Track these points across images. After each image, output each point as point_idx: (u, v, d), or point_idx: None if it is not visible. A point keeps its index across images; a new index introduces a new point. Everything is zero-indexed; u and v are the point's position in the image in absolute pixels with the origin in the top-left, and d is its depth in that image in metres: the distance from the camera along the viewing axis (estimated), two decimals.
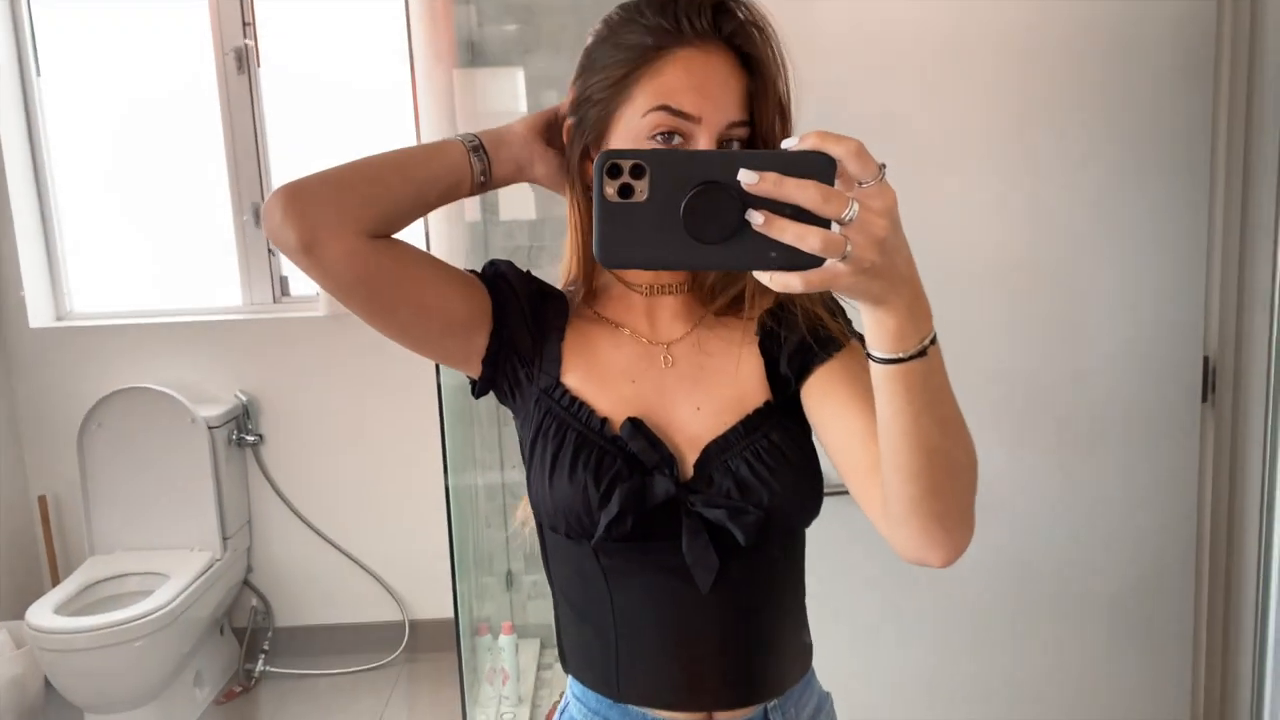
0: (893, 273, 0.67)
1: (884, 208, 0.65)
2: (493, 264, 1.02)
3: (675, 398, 0.98)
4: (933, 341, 0.72)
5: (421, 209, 0.95)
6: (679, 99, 0.89)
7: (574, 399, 0.97)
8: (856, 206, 0.63)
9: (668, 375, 0.99)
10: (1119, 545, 1.69)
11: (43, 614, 2.57)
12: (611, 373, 0.99)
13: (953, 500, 0.79)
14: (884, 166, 0.65)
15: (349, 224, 0.89)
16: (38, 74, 3.11)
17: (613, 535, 0.93)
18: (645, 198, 0.65)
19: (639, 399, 0.98)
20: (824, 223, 0.64)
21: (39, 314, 3.13)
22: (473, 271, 1.01)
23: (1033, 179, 1.59)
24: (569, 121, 0.97)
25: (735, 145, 0.91)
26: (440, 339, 0.98)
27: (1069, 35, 1.55)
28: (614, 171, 0.65)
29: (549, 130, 0.99)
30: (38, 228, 3.15)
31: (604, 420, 0.96)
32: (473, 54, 2.75)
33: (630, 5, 0.93)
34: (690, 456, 0.96)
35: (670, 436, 0.97)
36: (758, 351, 0.99)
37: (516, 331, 0.99)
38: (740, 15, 0.92)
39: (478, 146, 0.95)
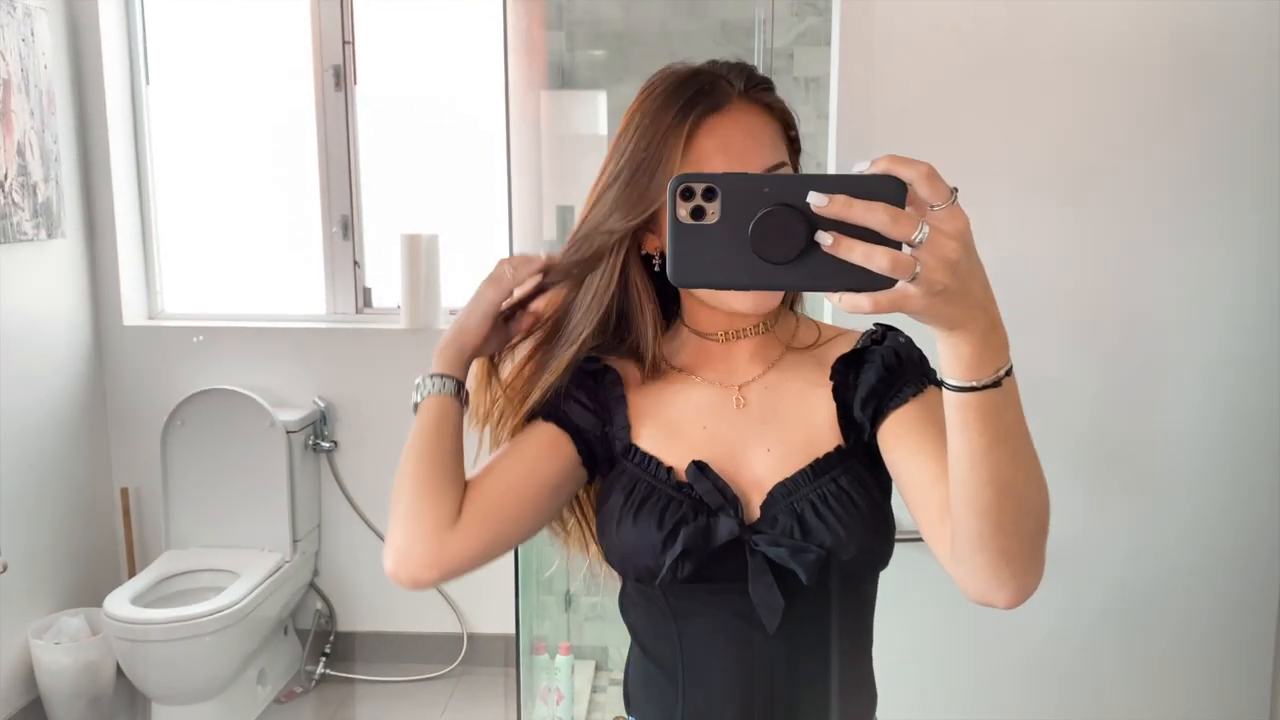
0: (966, 297, 0.66)
1: (956, 230, 0.64)
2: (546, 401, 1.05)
3: (746, 439, 0.99)
4: (1008, 373, 0.71)
5: (448, 473, 1.00)
6: (712, 164, 0.92)
7: (645, 455, 1.00)
8: (927, 229, 0.63)
9: (740, 417, 1.00)
10: (1196, 582, 1.64)
11: (120, 604, 2.65)
12: (682, 422, 1.01)
13: (1022, 538, 0.78)
14: (956, 190, 0.65)
15: (440, 534, 0.96)
16: (147, 82, 3.24)
17: (678, 576, 0.94)
18: (717, 219, 0.67)
19: (709, 443, 0.99)
20: (895, 245, 0.64)
21: (133, 312, 3.25)
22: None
23: (1118, 204, 1.56)
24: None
25: None
26: (562, 496, 1.04)
27: (1140, 44, 1.51)
28: (687, 194, 0.67)
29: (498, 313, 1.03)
30: (137, 229, 3.28)
31: (670, 469, 0.98)
32: (562, 78, 2.80)
33: (647, 108, 0.96)
34: (757, 499, 0.97)
35: (739, 478, 0.98)
36: (830, 395, 0.99)
37: (588, 429, 1.03)
38: (746, 72, 0.97)
39: (455, 386, 1.02)
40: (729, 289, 0.95)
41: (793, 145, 1.00)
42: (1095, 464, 1.63)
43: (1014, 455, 0.74)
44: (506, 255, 2.03)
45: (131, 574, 3.17)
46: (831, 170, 1.53)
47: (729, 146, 0.92)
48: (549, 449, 1.01)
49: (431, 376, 1.01)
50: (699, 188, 0.67)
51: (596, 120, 2.78)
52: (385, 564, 0.96)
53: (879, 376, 0.95)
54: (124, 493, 3.25)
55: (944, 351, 0.71)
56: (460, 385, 1.01)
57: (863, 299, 0.65)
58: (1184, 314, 1.59)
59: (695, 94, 0.94)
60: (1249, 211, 1.55)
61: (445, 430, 1.00)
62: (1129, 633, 1.67)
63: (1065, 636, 1.66)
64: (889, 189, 0.65)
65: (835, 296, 0.67)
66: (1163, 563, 1.64)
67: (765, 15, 2.58)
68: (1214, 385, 1.60)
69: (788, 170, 0.95)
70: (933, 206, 0.65)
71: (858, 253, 0.63)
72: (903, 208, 0.64)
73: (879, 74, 1.51)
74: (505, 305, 1.02)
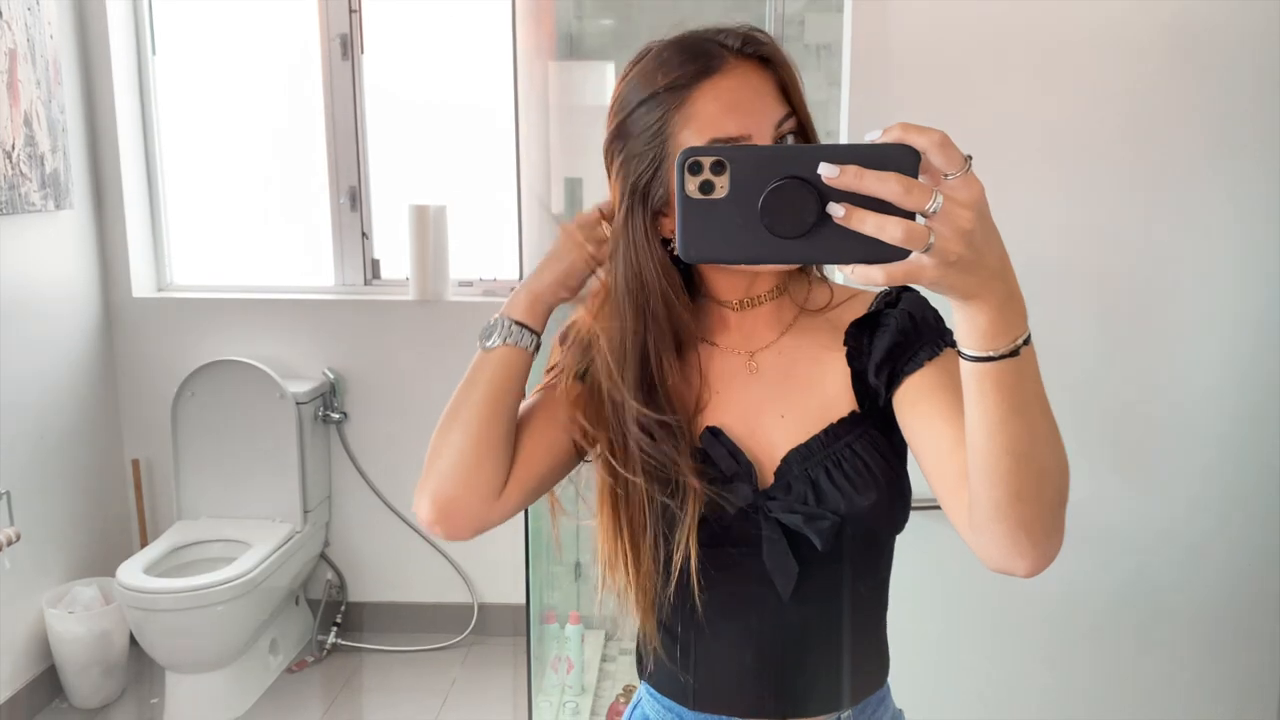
0: (982, 267, 0.65)
1: (970, 200, 0.63)
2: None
3: (760, 405, 0.98)
4: (1026, 342, 0.70)
5: (504, 430, 0.97)
6: (722, 127, 0.88)
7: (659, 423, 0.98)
8: (941, 199, 0.62)
9: (753, 383, 0.99)
10: (1208, 556, 1.63)
11: (132, 573, 2.67)
12: (694, 388, 0.99)
13: (1040, 508, 0.77)
14: (970, 158, 0.64)
15: (491, 501, 0.96)
16: (153, 53, 3.23)
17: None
18: (726, 193, 0.66)
19: (721, 409, 0.98)
20: (908, 216, 0.63)
21: (141, 283, 3.25)
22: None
23: (1125, 190, 1.55)
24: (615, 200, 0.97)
25: (791, 140, 0.91)
26: (578, 460, 1.03)
27: (1167, 36, 1.50)
28: (695, 169, 0.66)
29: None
30: (145, 200, 3.27)
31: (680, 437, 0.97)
32: (571, 47, 2.77)
33: (642, 71, 0.93)
34: (770, 465, 0.96)
35: (752, 445, 0.97)
36: (844, 360, 0.98)
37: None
38: (740, 30, 0.92)
39: (534, 341, 0.98)
40: (740, 264, 0.94)
41: (797, 85, 0.95)
42: (1109, 434, 1.62)
43: (1032, 424, 0.74)
44: (518, 226, 2.02)
45: (143, 544, 3.19)
46: (843, 139, 1.51)
47: (736, 106, 0.89)
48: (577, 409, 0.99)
49: (515, 324, 0.97)
50: (707, 161, 0.66)
51: (604, 91, 2.75)
52: (423, 510, 0.94)
53: (893, 341, 0.94)
54: (135, 464, 3.27)
55: (960, 321, 0.70)
56: (538, 342, 0.98)
57: (875, 271, 0.64)
58: (1197, 283, 1.57)
59: (685, 61, 0.90)
60: (1258, 181, 1.54)
61: (516, 386, 0.97)
62: (1147, 601, 1.66)
63: (1082, 603, 1.66)
64: (902, 158, 0.64)
65: (847, 268, 0.66)
66: (1180, 534, 1.64)
67: None
68: (1230, 354, 1.59)
69: (792, 124, 0.91)
70: (947, 175, 0.64)
71: (870, 224, 0.62)
72: (916, 177, 0.63)
73: (892, 38, 1.49)
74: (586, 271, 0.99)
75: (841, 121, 1.51)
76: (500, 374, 0.96)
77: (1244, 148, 1.53)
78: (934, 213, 0.62)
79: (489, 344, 0.97)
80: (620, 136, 0.94)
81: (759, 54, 0.91)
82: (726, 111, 0.89)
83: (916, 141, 0.63)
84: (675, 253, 0.97)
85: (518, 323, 0.97)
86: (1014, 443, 0.73)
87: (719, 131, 0.88)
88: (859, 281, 0.66)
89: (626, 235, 0.93)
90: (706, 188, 0.66)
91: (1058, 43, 1.50)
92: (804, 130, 0.93)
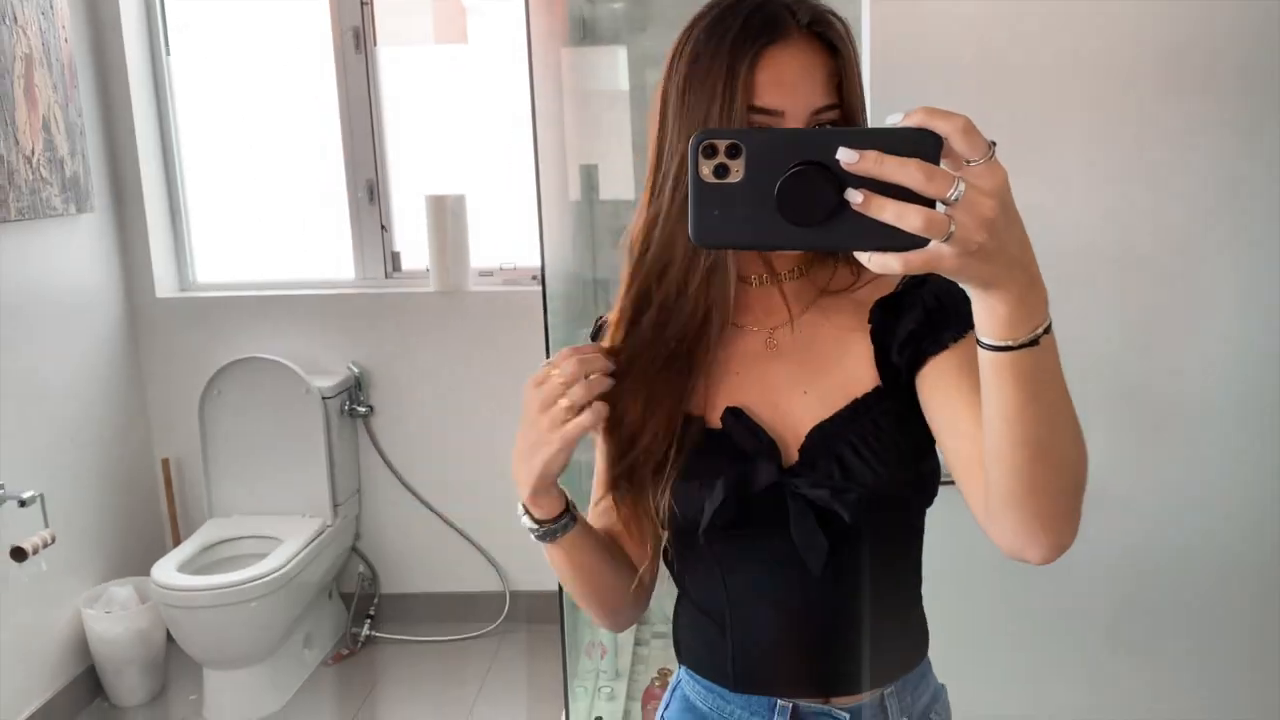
0: (1003, 256, 0.63)
1: (993, 187, 0.61)
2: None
3: (781, 382, 0.97)
4: (1047, 330, 0.68)
5: (611, 572, 1.03)
6: (761, 96, 0.86)
7: (677, 406, 0.97)
8: (963, 185, 0.60)
9: (773, 361, 0.98)
10: (1230, 541, 1.61)
11: (167, 572, 2.70)
12: (714, 369, 0.98)
13: (1056, 498, 0.76)
14: (994, 144, 0.62)
15: (642, 599, 1.06)
16: (167, 53, 3.23)
17: (718, 524, 0.93)
18: (741, 178, 0.64)
19: (741, 389, 0.97)
20: (929, 203, 0.61)
21: (164, 284, 3.27)
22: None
23: (1144, 167, 1.52)
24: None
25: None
26: None
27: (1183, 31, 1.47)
28: (709, 152, 0.64)
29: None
30: (165, 201, 3.29)
31: (702, 417, 0.96)
32: (584, 31, 2.75)
33: (711, 22, 0.90)
34: (794, 442, 0.95)
35: (775, 422, 0.96)
36: (868, 338, 0.96)
37: None
38: (816, 6, 0.90)
39: (546, 527, 0.98)
40: (754, 249, 0.92)
41: (855, 77, 0.92)
42: (1128, 414, 1.61)
43: (1051, 414, 0.72)
44: (538, 213, 2.00)
45: (176, 543, 3.22)
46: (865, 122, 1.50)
47: (780, 80, 0.87)
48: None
49: (539, 525, 0.97)
50: (722, 144, 0.64)
51: (617, 75, 2.74)
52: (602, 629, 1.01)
53: (918, 321, 0.92)
54: (165, 463, 3.29)
55: (979, 311, 0.68)
56: (573, 515, 0.98)
57: (894, 259, 0.63)
58: (1220, 263, 1.55)
59: (750, 21, 0.88)
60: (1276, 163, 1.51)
61: (587, 558, 1.01)
62: (1176, 578, 1.65)
63: (1128, 578, 1.64)
64: (923, 144, 0.62)
65: (865, 256, 0.64)
66: (1200, 507, 1.62)
67: None
68: (1250, 334, 1.57)
69: (833, 115, 0.89)
70: (969, 161, 0.62)
71: (889, 211, 0.61)
72: (937, 163, 0.61)
73: (913, 14, 1.47)
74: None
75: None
76: (564, 560, 1.00)
77: (1263, 129, 1.50)
78: (955, 200, 0.61)
79: (535, 539, 0.99)
80: (676, 87, 0.91)
81: (825, 35, 0.89)
82: (770, 83, 0.87)
83: (939, 126, 0.62)
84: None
85: (539, 521, 0.97)
86: (1032, 433, 0.72)
87: (755, 100, 0.86)
88: (876, 269, 0.64)
89: (673, 200, 0.91)
90: (721, 171, 0.64)
91: (1077, 41, 1.48)
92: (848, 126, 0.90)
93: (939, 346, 0.91)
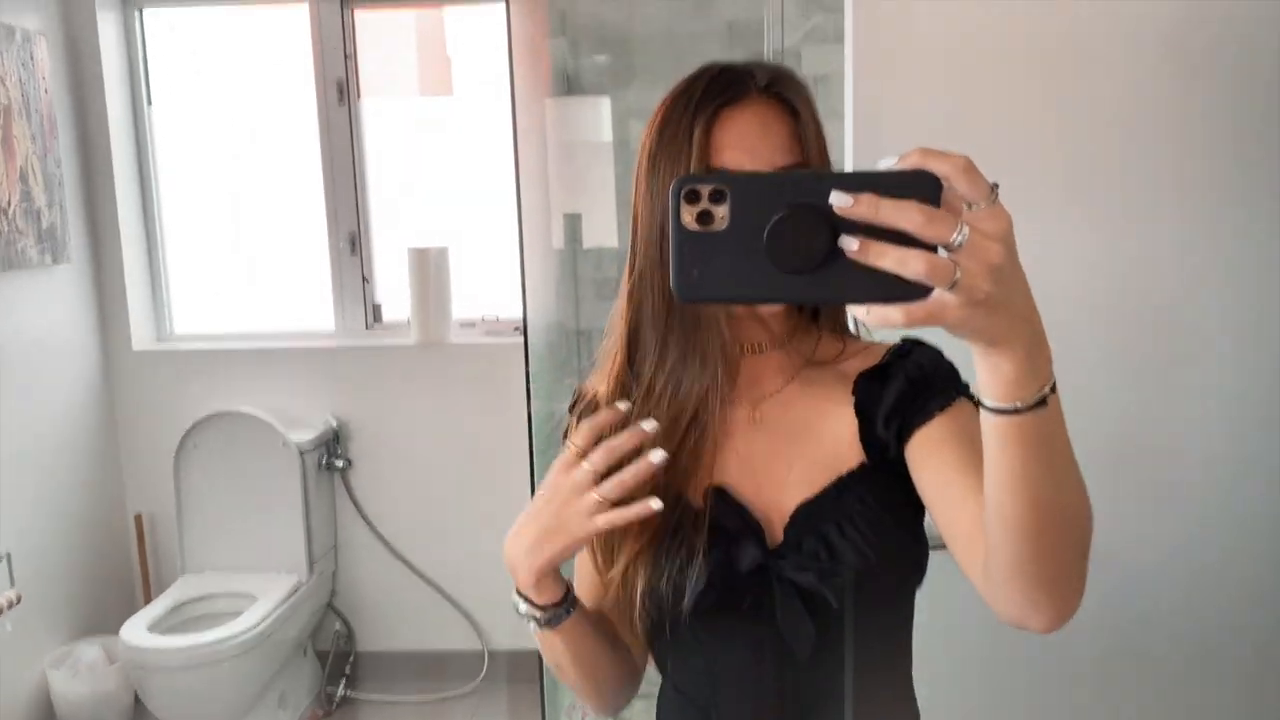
0: (1009, 307, 0.59)
1: (998, 232, 0.57)
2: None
3: (764, 457, 0.95)
4: (1053, 389, 0.64)
5: (608, 655, 1.00)
6: (719, 156, 0.87)
7: (661, 483, 0.92)
8: (966, 230, 0.56)
9: (757, 435, 0.96)
10: (1238, 588, 1.59)
11: (137, 631, 2.62)
12: (696, 442, 0.94)
13: (1060, 563, 0.71)
14: (996, 186, 0.58)
15: (636, 678, 1.06)
16: (149, 103, 3.22)
17: (702, 607, 0.90)
18: (726, 225, 0.59)
19: (724, 463, 0.95)
20: (930, 250, 0.57)
21: (141, 336, 3.22)
22: None
23: (1141, 206, 1.52)
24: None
25: None
26: None
27: (1163, 35, 1.47)
28: (692, 197, 0.59)
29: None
30: (143, 252, 3.25)
31: (685, 496, 0.93)
32: (567, 85, 2.77)
33: (679, 89, 0.91)
34: (779, 521, 0.92)
35: (758, 500, 0.93)
36: (852, 411, 0.94)
37: None
38: (774, 68, 0.91)
39: (546, 613, 0.94)
40: (741, 303, 0.89)
41: (817, 134, 0.92)
42: (1126, 468, 1.58)
43: (1057, 477, 0.68)
44: (520, 264, 1.99)
45: (147, 600, 3.14)
46: (849, 170, 1.48)
47: (740, 141, 0.87)
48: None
49: (538, 612, 0.92)
50: (705, 190, 0.59)
51: (601, 126, 2.74)
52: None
53: (902, 392, 0.90)
54: (138, 519, 3.22)
55: (983, 370, 0.64)
56: (574, 602, 0.94)
57: (894, 311, 0.58)
58: (1214, 309, 1.54)
59: (711, 86, 0.89)
60: (1272, 200, 1.51)
61: (584, 644, 0.96)
62: (1176, 643, 1.62)
63: (1118, 652, 1.61)
64: (922, 186, 0.58)
65: (861, 309, 0.59)
66: (1205, 557, 1.59)
67: (774, 16, 2.54)
68: (1246, 383, 1.55)
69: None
70: (971, 205, 0.58)
71: (889, 258, 0.56)
72: (937, 206, 0.57)
73: (895, 69, 1.46)
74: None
75: (846, 152, 1.49)
76: (563, 646, 0.95)
77: (1258, 165, 1.50)
78: (959, 245, 0.56)
79: (531, 628, 0.95)
80: (648, 154, 0.92)
81: (783, 96, 0.89)
82: (729, 144, 0.87)
83: (938, 167, 0.58)
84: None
85: (539, 608, 0.92)
86: (1038, 497, 0.67)
87: (713, 160, 0.87)
88: (875, 323, 0.59)
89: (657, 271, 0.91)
90: (704, 218, 0.59)
91: (1065, 65, 1.48)
92: None
93: (925, 417, 0.89)
